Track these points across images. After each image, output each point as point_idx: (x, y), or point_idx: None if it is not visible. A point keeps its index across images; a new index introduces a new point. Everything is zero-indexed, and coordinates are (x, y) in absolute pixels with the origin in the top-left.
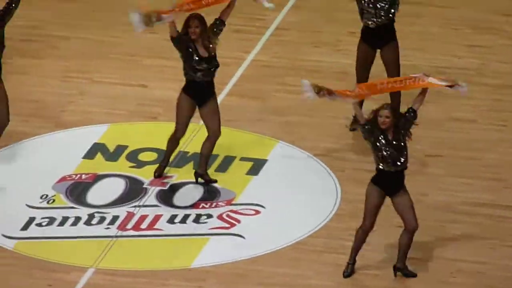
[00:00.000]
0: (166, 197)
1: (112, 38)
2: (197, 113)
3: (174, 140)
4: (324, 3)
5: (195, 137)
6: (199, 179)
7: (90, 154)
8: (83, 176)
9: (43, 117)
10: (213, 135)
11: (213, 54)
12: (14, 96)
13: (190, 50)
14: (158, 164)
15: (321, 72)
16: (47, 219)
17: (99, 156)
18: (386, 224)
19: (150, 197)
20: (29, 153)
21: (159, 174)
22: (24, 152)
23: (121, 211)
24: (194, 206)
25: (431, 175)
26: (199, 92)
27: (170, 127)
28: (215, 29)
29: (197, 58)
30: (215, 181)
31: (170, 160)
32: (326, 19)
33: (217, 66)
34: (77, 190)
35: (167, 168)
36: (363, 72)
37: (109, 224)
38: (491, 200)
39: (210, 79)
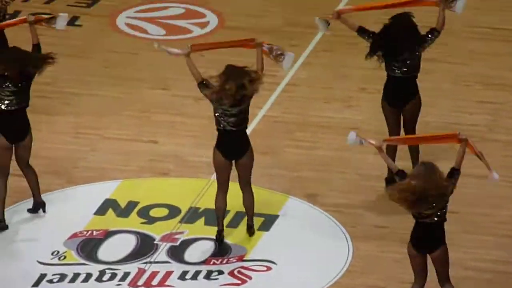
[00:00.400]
0: (177, 253)
1: (124, 94)
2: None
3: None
4: (334, 60)
5: (206, 192)
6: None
7: (101, 210)
8: (94, 233)
9: (55, 173)
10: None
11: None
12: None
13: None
14: (168, 221)
15: (331, 128)
16: (58, 276)
17: (110, 212)
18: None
19: (161, 253)
20: (41, 209)
21: None
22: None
23: (132, 268)
24: (205, 262)
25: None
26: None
27: (180, 183)
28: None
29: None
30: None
31: (183, 215)
32: (337, 75)
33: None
34: (88, 246)
35: (178, 224)
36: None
37: (120, 280)
38: (504, 257)
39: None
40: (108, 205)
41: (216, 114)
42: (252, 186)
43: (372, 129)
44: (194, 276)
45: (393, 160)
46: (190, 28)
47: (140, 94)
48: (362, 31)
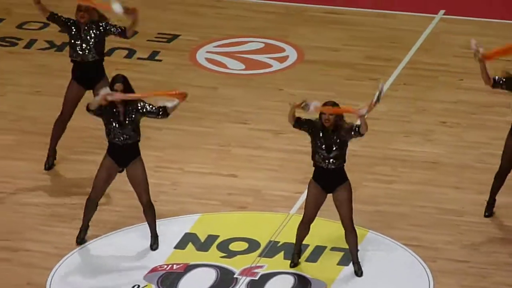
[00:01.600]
0: (256, 287)
1: (204, 128)
2: (289, 201)
3: None
4: (414, 93)
5: (285, 226)
6: None
7: (181, 244)
8: (175, 266)
9: (135, 207)
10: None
11: None
12: (108, 187)
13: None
14: (247, 255)
15: (411, 162)
16: None
17: (190, 246)
18: None
19: (241, 287)
20: (121, 243)
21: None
22: (116, 242)
23: None
24: None
25: None
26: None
27: (260, 217)
28: None
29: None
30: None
31: (262, 249)
32: (416, 108)
33: None
34: (168, 280)
35: (257, 258)
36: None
37: None
38: None
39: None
40: (188, 239)
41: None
42: (331, 220)
43: (453, 163)
44: None
45: None
46: (269, 62)
47: (219, 128)
48: (496, 84)
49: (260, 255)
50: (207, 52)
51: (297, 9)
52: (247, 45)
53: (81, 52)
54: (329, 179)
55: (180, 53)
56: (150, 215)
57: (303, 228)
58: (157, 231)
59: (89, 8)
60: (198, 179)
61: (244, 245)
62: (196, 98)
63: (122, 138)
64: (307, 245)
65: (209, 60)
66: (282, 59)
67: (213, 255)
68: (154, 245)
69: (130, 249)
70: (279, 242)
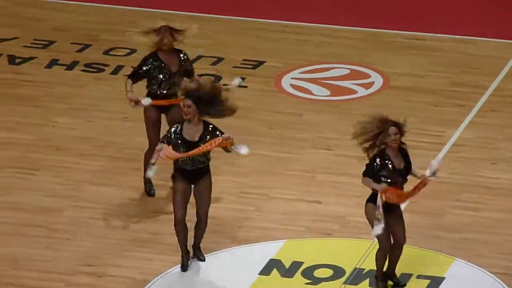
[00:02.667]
0: None
1: (288, 154)
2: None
3: None
4: (502, 120)
5: (370, 253)
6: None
7: (266, 270)
8: None
9: (220, 232)
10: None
11: None
12: (191, 214)
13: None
14: (332, 281)
15: (499, 190)
16: None
17: (275, 272)
18: None
19: None
20: (206, 269)
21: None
22: (201, 268)
23: None
24: None
25: None
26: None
27: (345, 243)
28: None
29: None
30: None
31: (347, 276)
32: (504, 135)
33: None
34: None
35: (342, 285)
36: None
37: None
38: None
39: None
40: (272, 265)
41: None
42: (417, 247)
43: None
44: None
45: None
46: (354, 88)
47: (304, 154)
48: None
49: (345, 282)
50: (292, 78)
51: (376, 35)
52: (331, 71)
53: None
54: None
55: (265, 79)
56: (202, 228)
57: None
58: (239, 256)
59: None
60: (282, 205)
61: (329, 272)
62: (280, 124)
63: (193, 164)
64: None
65: (294, 86)
66: (367, 85)
67: (298, 282)
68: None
69: (215, 275)
70: (364, 269)
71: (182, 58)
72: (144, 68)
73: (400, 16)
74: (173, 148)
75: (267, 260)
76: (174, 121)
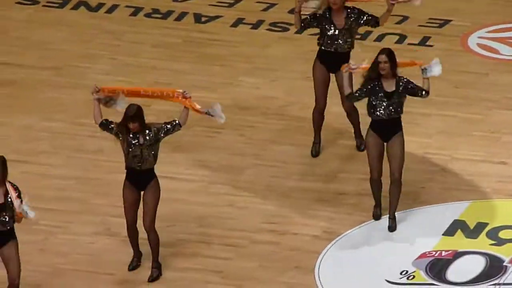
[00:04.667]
0: None
1: (474, 115)
2: None
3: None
4: None
5: None
6: None
7: (450, 231)
8: (443, 253)
9: (403, 193)
10: None
11: None
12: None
13: None
14: None
15: None
16: None
17: (459, 233)
18: None
19: (510, 276)
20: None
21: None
22: (384, 228)
23: None
24: None
25: None
26: None
27: None
28: None
29: None
30: None
31: None
32: None
33: None
34: (437, 267)
35: None
36: None
37: None
38: None
39: None
40: (457, 226)
41: None
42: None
43: None
44: None
45: None
46: None
47: (489, 115)
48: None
49: None
50: (479, 37)
51: None
52: None
53: (336, 43)
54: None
55: (452, 38)
56: (397, 186)
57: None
58: (423, 217)
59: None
60: (468, 166)
61: None
62: (466, 84)
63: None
64: None
65: (480, 45)
66: None
67: (482, 243)
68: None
69: (398, 234)
70: None
71: (349, 17)
72: (314, 17)
73: None
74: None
75: (451, 221)
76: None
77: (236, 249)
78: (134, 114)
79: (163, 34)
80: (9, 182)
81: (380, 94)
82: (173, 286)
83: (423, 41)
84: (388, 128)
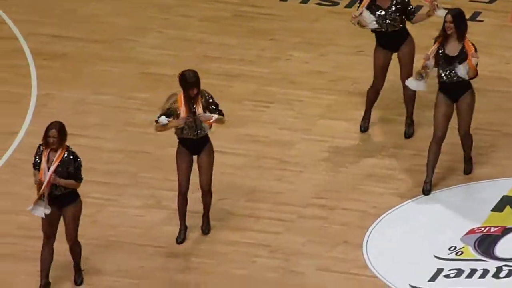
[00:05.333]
0: None
1: None
2: None
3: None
4: None
5: None
6: None
7: (499, 207)
8: (492, 229)
9: (450, 168)
10: None
11: None
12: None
13: None
14: None
15: None
16: (455, 271)
17: (508, 209)
18: None
19: None
20: (438, 205)
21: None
22: (433, 204)
23: None
24: None
25: None
26: None
27: None
28: None
29: None
30: None
31: None
32: None
33: None
34: (485, 242)
35: None
36: None
37: None
38: None
39: None
40: (506, 202)
41: None
42: None
43: None
44: None
45: None
46: None
47: None
48: None
49: None
50: None
51: None
52: None
53: (385, 23)
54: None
55: (502, 14)
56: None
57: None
58: (472, 193)
59: None
60: None
61: None
62: None
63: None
64: None
65: None
66: None
67: None
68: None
69: (447, 210)
70: None
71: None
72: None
73: None
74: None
75: (500, 197)
76: (404, 56)
77: (285, 224)
78: (196, 80)
79: (212, 8)
80: (71, 151)
81: (444, 59)
82: (223, 259)
83: (473, 17)
84: (455, 90)
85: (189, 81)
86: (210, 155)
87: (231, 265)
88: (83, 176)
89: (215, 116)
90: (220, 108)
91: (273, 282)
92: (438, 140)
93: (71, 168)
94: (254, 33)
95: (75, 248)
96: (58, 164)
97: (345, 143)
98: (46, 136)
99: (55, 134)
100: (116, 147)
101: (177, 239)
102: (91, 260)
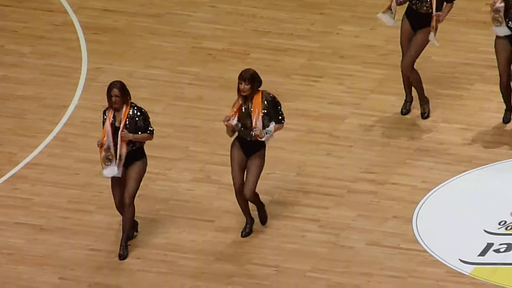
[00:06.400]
0: None
1: None
2: None
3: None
4: None
5: None
6: None
7: None
8: None
9: (501, 142)
10: None
11: None
12: None
13: None
14: None
15: None
16: (505, 246)
17: None
18: None
19: None
20: (486, 179)
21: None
22: (481, 178)
23: None
24: None
25: None
26: None
27: None
28: None
29: None
30: None
31: None
32: None
33: None
34: None
35: None
36: None
37: None
38: None
39: None
40: None
41: None
42: None
43: None
44: None
45: None
46: None
47: None
48: None
49: None
50: None
51: None
52: None
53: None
54: None
55: None
56: None
57: None
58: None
59: None
60: None
61: None
62: None
63: None
64: None
65: None
66: None
67: None
68: None
69: (498, 185)
70: None
71: None
72: None
73: None
74: None
75: None
76: (415, 41)
77: (334, 198)
78: (251, 75)
79: None
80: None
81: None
82: (276, 233)
83: None
84: None
85: (241, 73)
86: (261, 159)
87: (281, 239)
88: (153, 128)
89: (267, 136)
90: (281, 110)
91: (323, 257)
92: (504, 83)
93: (140, 121)
94: (304, 7)
95: (129, 211)
96: (126, 121)
97: (395, 117)
98: (109, 96)
99: (117, 93)
100: (166, 121)
101: (242, 232)
102: (141, 234)
